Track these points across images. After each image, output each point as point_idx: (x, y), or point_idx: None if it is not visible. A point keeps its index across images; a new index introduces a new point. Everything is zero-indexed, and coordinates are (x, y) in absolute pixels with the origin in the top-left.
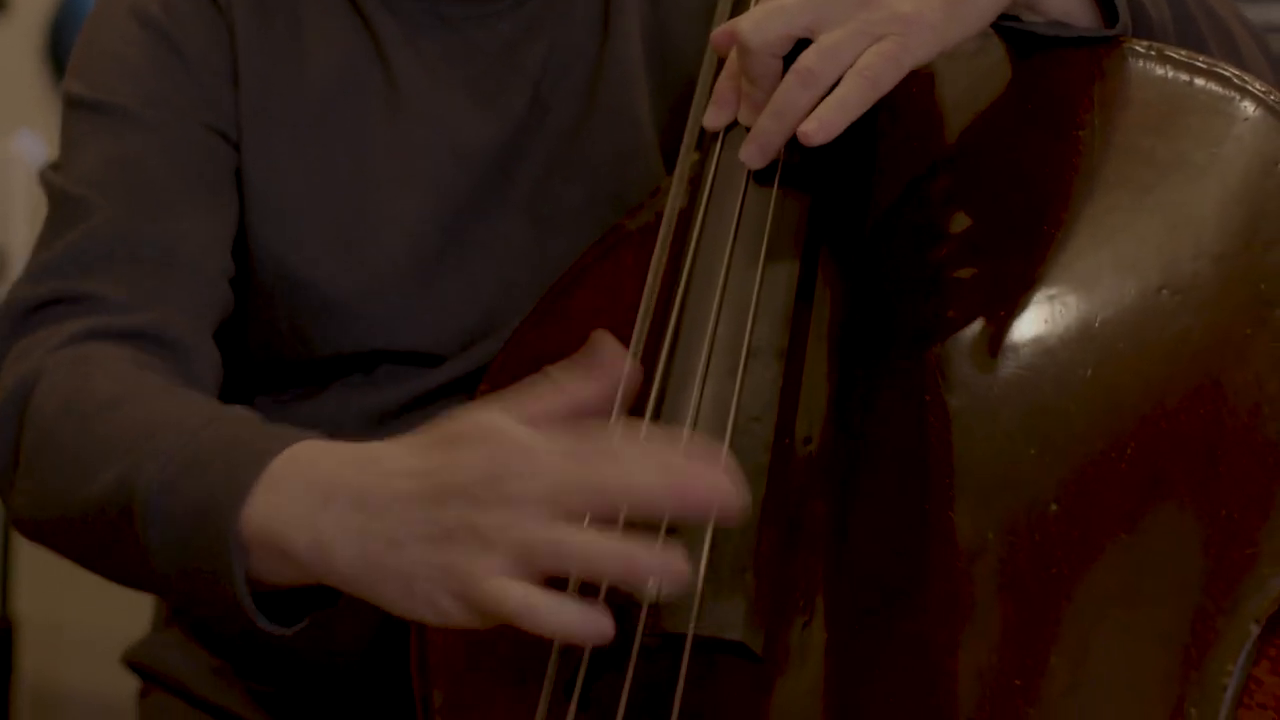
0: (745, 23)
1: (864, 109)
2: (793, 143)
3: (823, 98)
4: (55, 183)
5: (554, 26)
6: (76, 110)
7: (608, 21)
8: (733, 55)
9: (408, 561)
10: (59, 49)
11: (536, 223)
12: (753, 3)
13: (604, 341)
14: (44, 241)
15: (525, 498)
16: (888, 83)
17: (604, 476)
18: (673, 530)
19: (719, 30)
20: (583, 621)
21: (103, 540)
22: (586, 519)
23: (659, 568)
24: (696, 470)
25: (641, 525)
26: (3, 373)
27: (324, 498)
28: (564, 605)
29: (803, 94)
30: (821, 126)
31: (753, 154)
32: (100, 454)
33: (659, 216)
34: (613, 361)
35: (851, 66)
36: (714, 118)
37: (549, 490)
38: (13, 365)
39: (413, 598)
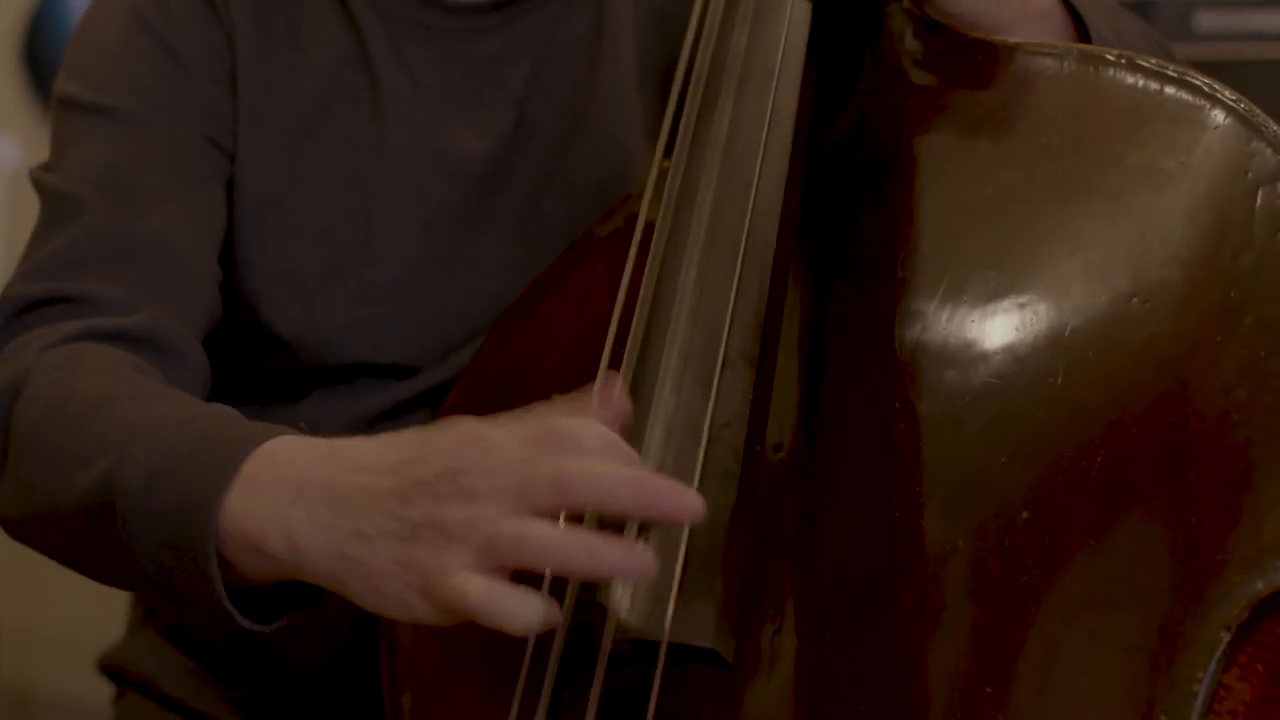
0: None
1: None
2: (765, 154)
3: None
4: (47, 182)
5: (540, 48)
6: (70, 111)
7: (599, 45)
8: None
9: (374, 557)
10: (36, 54)
11: (525, 242)
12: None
13: (612, 380)
14: (37, 240)
15: (487, 491)
16: None
17: (567, 468)
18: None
19: None
20: (546, 617)
21: (86, 538)
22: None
23: (625, 562)
24: (658, 476)
25: (613, 530)
26: None
27: (296, 493)
28: (526, 600)
29: None
30: None
31: None
32: (85, 452)
33: (629, 223)
34: (618, 399)
35: None
36: None
37: (511, 484)
38: (4, 364)
39: (380, 594)
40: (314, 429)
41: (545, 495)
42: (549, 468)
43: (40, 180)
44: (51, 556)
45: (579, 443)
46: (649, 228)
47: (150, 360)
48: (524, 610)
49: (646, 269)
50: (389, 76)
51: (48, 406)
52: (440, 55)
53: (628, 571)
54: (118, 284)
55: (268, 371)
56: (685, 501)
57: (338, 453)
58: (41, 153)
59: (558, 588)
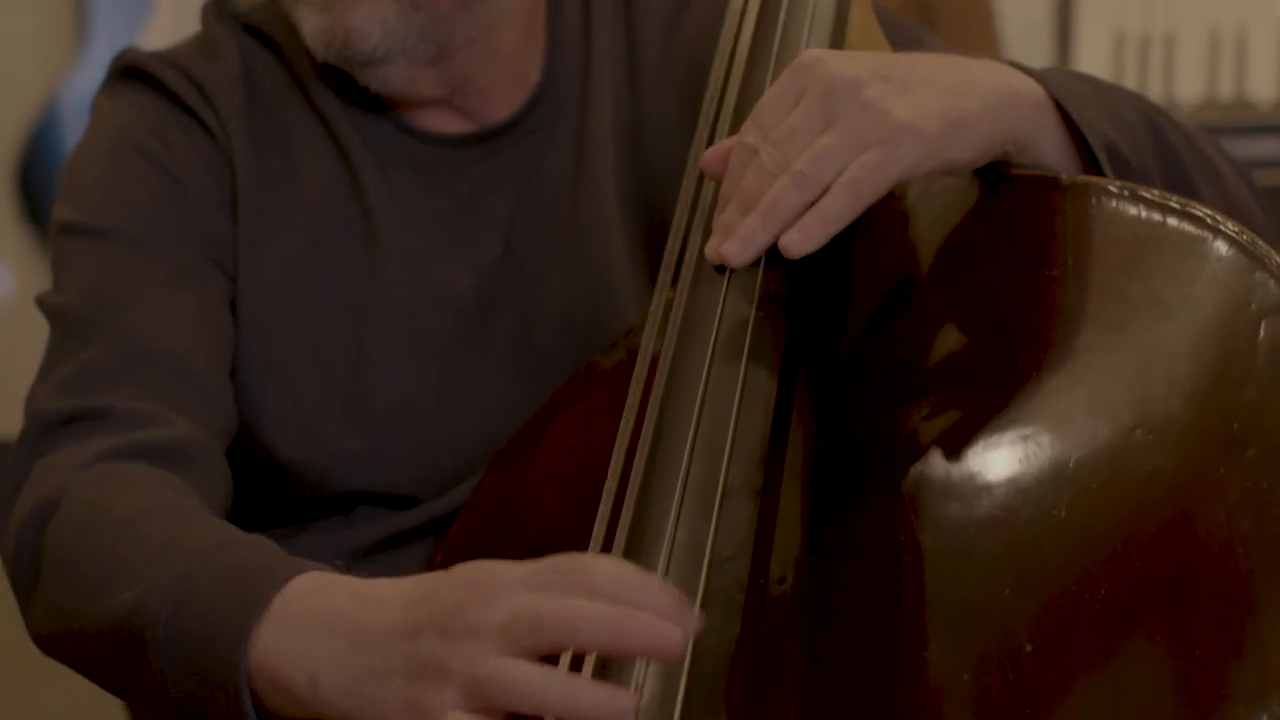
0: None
1: (846, 221)
2: (767, 279)
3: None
4: (55, 303)
5: (522, 178)
6: (70, 236)
7: (580, 172)
8: (728, 177)
9: (385, 694)
10: (29, 184)
11: (520, 372)
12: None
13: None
14: (54, 359)
15: (484, 628)
16: (872, 195)
17: (544, 607)
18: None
19: (712, 150)
20: None
21: (117, 659)
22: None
23: (604, 707)
24: (648, 614)
25: (617, 665)
26: (26, 489)
27: (324, 631)
28: None
29: (794, 194)
30: (803, 237)
31: (732, 248)
32: (115, 575)
33: (632, 354)
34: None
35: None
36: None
37: (500, 622)
38: (37, 481)
39: None
40: (311, 558)
41: (525, 635)
42: (531, 607)
43: (48, 304)
44: (86, 675)
45: (588, 575)
46: (654, 358)
47: (180, 474)
48: None
49: (650, 399)
50: (380, 206)
51: (78, 529)
52: (426, 186)
53: (605, 716)
54: (141, 398)
55: (265, 498)
56: (663, 637)
57: (367, 592)
58: (35, 282)
59: None
